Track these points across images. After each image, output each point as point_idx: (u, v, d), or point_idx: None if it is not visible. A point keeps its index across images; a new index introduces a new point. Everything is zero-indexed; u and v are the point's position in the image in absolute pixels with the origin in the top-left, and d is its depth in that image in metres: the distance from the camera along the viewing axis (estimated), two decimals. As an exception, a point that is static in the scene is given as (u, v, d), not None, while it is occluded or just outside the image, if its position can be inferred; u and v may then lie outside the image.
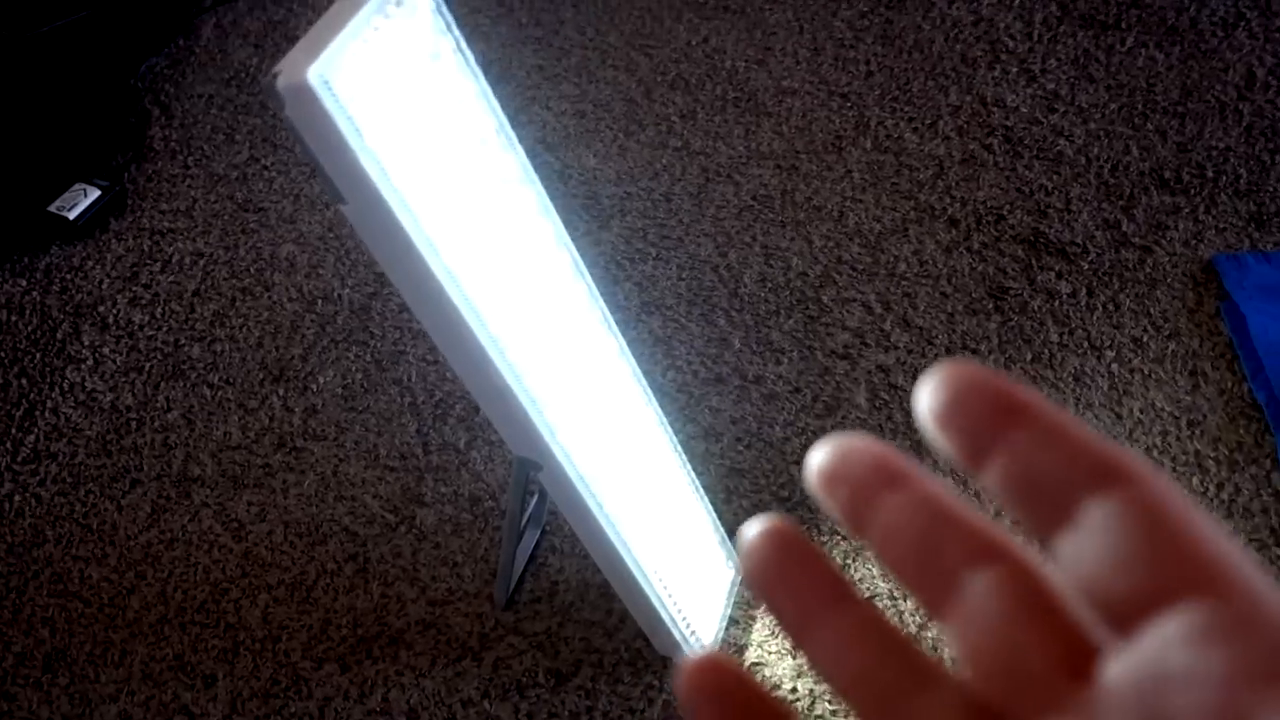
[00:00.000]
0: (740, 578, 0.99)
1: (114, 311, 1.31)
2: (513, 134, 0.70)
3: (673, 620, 0.90)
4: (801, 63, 1.50)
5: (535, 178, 0.72)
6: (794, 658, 0.96)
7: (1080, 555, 0.18)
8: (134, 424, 1.19)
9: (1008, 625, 0.19)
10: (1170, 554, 0.17)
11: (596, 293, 0.78)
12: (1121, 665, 0.17)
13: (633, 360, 0.83)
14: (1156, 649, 0.17)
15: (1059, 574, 0.19)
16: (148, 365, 1.25)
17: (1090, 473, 0.18)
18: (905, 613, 0.96)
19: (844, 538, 1.03)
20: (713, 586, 0.97)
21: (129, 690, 0.99)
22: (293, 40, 1.71)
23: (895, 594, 0.98)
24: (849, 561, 1.01)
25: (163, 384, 1.23)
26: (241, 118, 1.52)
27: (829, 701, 0.93)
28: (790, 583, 0.21)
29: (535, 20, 1.62)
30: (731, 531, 1.01)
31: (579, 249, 0.77)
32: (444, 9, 0.64)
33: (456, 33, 0.65)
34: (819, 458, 0.21)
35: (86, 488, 1.14)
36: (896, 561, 0.20)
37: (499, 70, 1.49)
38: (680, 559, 0.92)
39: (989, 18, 1.52)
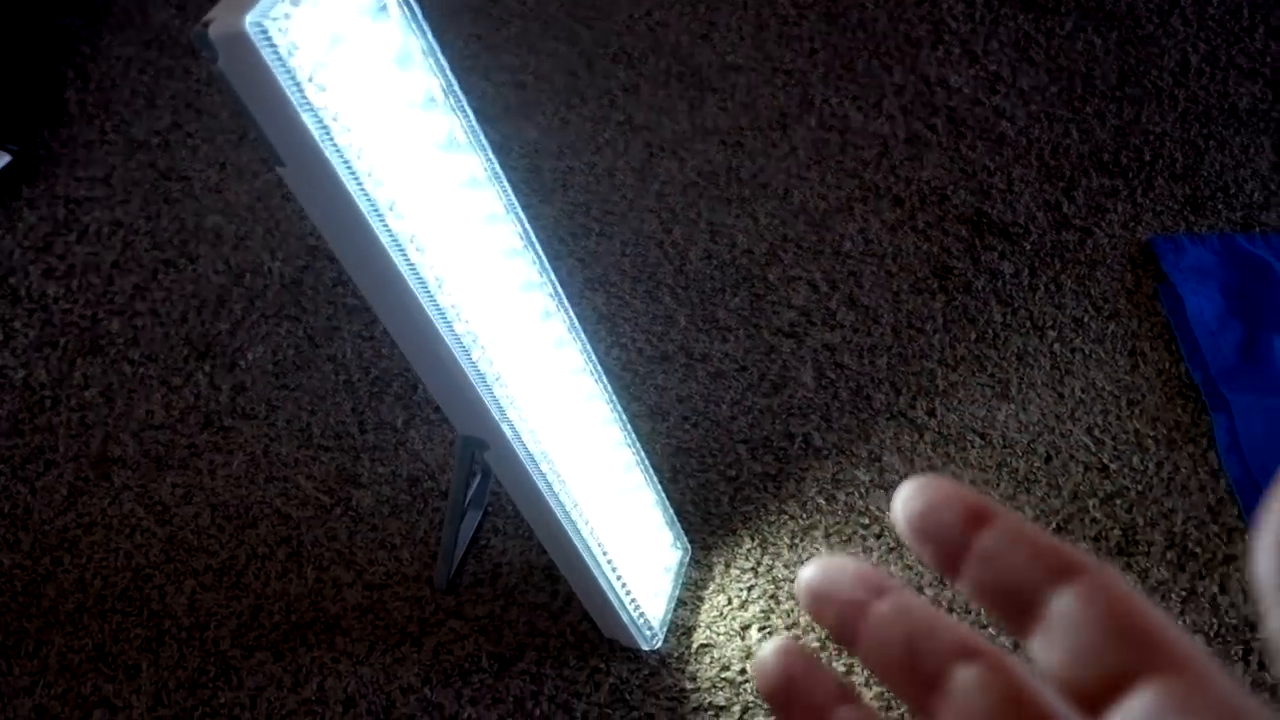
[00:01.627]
0: (686, 558, 0.98)
1: (26, 283, 1.24)
2: (461, 95, 0.67)
3: (621, 602, 0.88)
4: (746, 39, 1.48)
5: (484, 142, 0.69)
6: (742, 638, 0.94)
7: (1050, 649, 0.20)
8: (49, 402, 1.13)
9: (992, 718, 0.20)
10: (1127, 640, 0.19)
11: (547, 264, 0.75)
12: None
13: (582, 335, 0.80)
14: None
15: (1034, 669, 0.21)
16: (63, 340, 1.18)
17: (1050, 570, 0.20)
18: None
19: (792, 516, 1.01)
20: (660, 567, 0.95)
21: (45, 683, 0.94)
22: (216, 1, 1.63)
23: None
24: (798, 540, 1.00)
25: (79, 360, 1.17)
26: (163, 81, 1.45)
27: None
28: (798, 690, 0.23)
29: (473, -11, 1.57)
30: (679, 511, 0.99)
31: (528, 219, 0.74)
32: (390, -41, 0.60)
33: (403, -15, 0.61)
34: (807, 576, 0.23)
35: (-3, 469, 1.08)
36: (885, 667, 0.22)
37: (434, 38, 1.44)
38: (628, 540, 0.90)
39: (932, -2, 1.52)
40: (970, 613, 0.94)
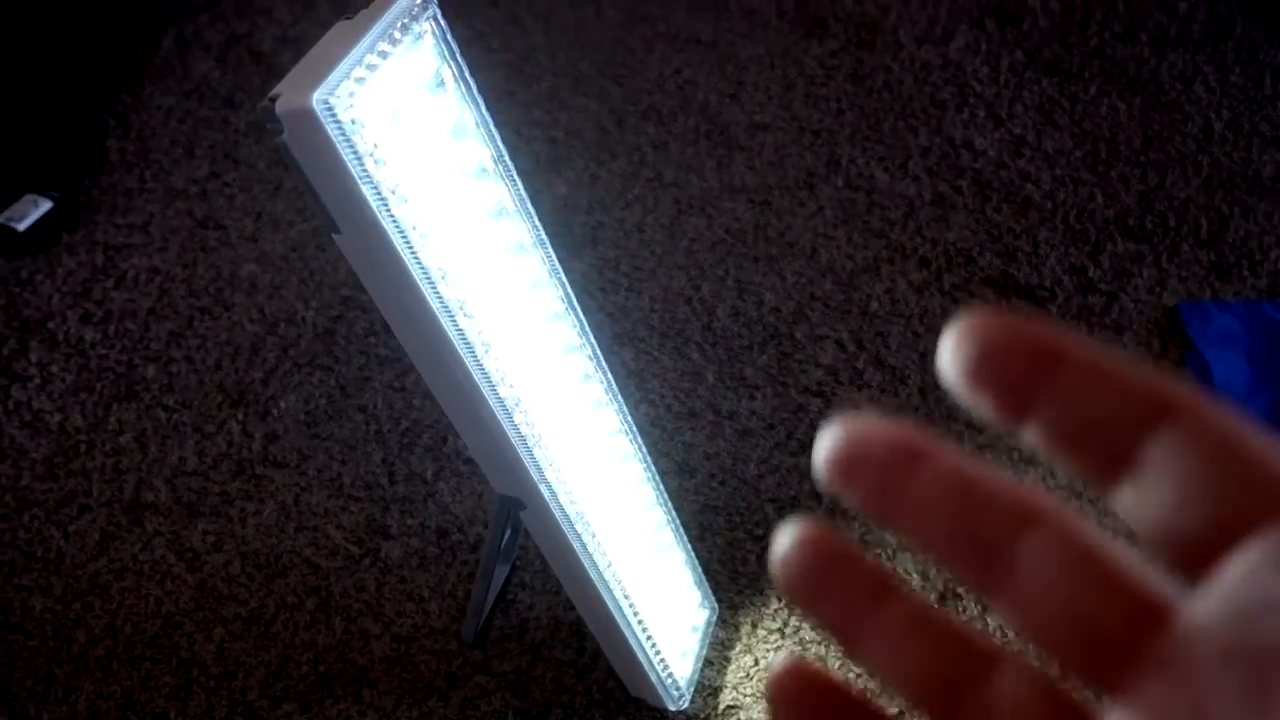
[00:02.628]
0: (713, 617, 0.98)
1: (64, 328, 1.26)
2: (511, 164, 0.68)
3: (649, 662, 0.88)
4: (774, 98, 1.51)
5: (531, 209, 0.70)
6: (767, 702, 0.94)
7: (1146, 498, 0.17)
8: (83, 447, 1.14)
9: (1067, 588, 0.17)
10: (1240, 481, 0.16)
11: (587, 327, 0.77)
12: (1205, 603, 0.16)
13: (619, 397, 0.82)
14: (1242, 579, 0.16)
15: (1116, 527, 0.18)
16: (99, 385, 1.20)
17: (1144, 410, 0.17)
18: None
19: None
20: (688, 626, 0.95)
21: (74, 729, 0.94)
22: (256, 54, 1.67)
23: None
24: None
25: (115, 405, 1.18)
26: (202, 131, 1.48)
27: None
28: (830, 589, 0.20)
29: (505, 45, 1.60)
30: (707, 569, 0.99)
31: (570, 283, 0.76)
32: (449, 36, 0.62)
33: (460, 60, 0.63)
34: (828, 446, 0.20)
35: (31, 513, 1.09)
36: (935, 545, 0.19)
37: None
38: (657, 599, 0.90)
39: (957, 61, 1.55)
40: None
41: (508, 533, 0.99)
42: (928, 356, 1.19)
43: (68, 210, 1.36)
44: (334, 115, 0.55)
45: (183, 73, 1.57)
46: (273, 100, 0.56)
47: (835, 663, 0.96)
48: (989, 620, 0.98)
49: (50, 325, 1.26)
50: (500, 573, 1.02)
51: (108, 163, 1.45)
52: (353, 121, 0.56)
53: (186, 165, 1.44)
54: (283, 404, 1.18)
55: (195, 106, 1.52)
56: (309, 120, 0.55)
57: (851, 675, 0.95)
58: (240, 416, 1.17)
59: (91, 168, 1.44)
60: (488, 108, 0.66)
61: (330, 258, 1.31)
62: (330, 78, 0.55)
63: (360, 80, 0.57)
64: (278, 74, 0.57)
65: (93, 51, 1.55)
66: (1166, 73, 1.51)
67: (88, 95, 1.51)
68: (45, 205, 1.35)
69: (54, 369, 1.22)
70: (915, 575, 1.01)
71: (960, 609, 0.99)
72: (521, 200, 0.70)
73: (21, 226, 1.32)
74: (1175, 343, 1.19)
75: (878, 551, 1.03)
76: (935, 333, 1.21)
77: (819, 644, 0.97)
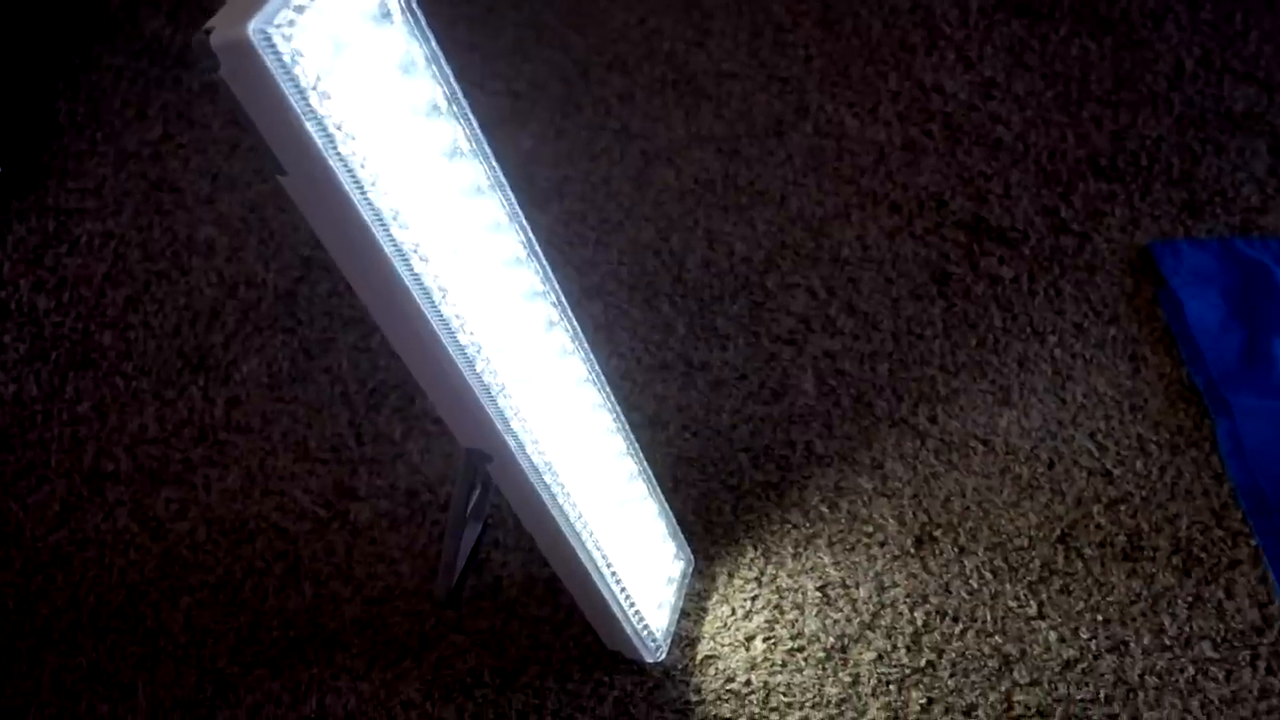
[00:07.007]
0: (689, 568, 0.97)
1: (16, 297, 1.22)
2: (464, 102, 0.66)
3: (624, 615, 0.87)
4: (741, 46, 1.48)
5: (488, 150, 0.68)
6: (747, 649, 0.93)
7: None
8: (40, 417, 1.11)
9: None
10: None
11: (550, 273, 0.74)
12: None
13: (585, 345, 0.80)
14: None
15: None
16: (54, 354, 1.17)
17: None
18: (858, 601, 0.95)
19: (795, 525, 1.01)
20: (663, 578, 0.94)
21: (39, 703, 0.92)
22: (208, 11, 1.62)
23: (846, 582, 0.97)
24: (801, 549, 0.99)
25: (71, 374, 1.15)
26: (154, 91, 1.44)
27: (783, 693, 0.91)
28: None
29: (466, -3, 1.56)
30: (681, 521, 0.98)
31: (531, 227, 0.73)
32: (393, -35, 0.59)
33: (406, -9, 0.61)
34: None
35: (-13, 485, 1.06)
36: None
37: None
38: (631, 551, 0.89)
39: (926, 4, 1.52)
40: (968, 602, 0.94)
41: (477, 489, 0.97)
42: (900, 302, 1.18)
43: (16, 176, 1.32)
44: (272, 46, 0.52)
45: (132, 31, 1.52)
46: (207, 33, 0.53)
47: (812, 610, 0.95)
48: (965, 563, 0.97)
49: (2, 294, 1.22)
50: (472, 531, 1.00)
51: (57, 126, 1.40)
52: (293, 53, 0.54)
53: (138, 127, 1.40)
54: (245, 368, 1.15)
55: (146, 66, 1.47)
56: (245, 52, 0.52)
57: (828, 622, 0.94)
58: (201, 382, 1.14)
59: (40, 131, 1.39)
60: (451, 61, 0.63)
61: (290, 219, 1.28)
62: (267, 7, 0.53)
63: (299, 9, 0.54)
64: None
65: (38, 11, 1.50)
66: (1137, 11, 1.49)
67: (34, 57, 1.46)
68: (-8, 171, 1.30)
69: (7, 339, 1.18)
70: (891, 521, 1.01)
71: (937, 552, 0.98)
72: (478, 141, 0.68)
73: (-32, 193, 1.28)
74: (1148, 282, 1.18)
75: (852, 499, 1.02)
76: (908, 278, 1.20)
77: (795, 592, 0.96)
